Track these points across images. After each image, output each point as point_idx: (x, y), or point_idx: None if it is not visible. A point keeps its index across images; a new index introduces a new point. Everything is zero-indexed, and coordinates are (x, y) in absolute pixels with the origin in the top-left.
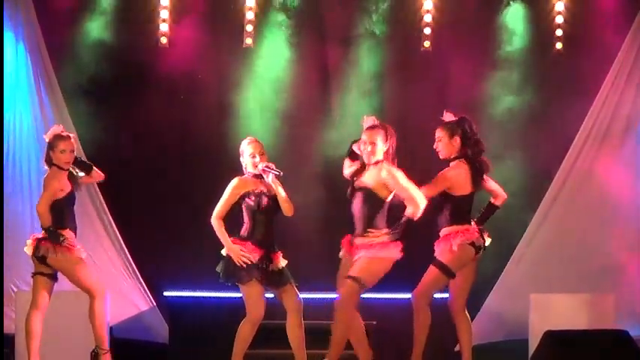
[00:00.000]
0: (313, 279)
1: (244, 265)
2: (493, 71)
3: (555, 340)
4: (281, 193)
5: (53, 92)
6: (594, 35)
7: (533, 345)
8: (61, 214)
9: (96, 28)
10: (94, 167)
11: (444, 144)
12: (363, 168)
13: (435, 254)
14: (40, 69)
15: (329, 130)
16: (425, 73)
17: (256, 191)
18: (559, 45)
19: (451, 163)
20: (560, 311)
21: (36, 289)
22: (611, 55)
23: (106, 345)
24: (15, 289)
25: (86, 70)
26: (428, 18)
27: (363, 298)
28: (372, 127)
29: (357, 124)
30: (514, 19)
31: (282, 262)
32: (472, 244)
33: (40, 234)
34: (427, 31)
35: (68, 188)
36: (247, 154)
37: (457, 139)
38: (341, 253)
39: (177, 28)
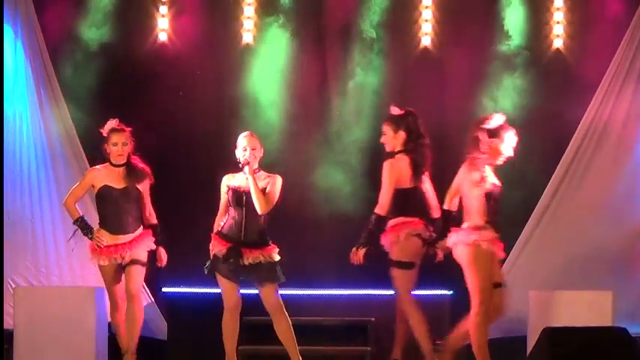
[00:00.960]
0: (312, 275)
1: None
2: (492, 68)
3: (554, 337)
4: (252, 188)
5: (52, 89)
6: (593, 33)
7: (531, 342)
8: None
9: (95, 24)
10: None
11: (388, 138)
12: None
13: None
14: (39, 66)
15: (328, 126)
16: (424, 69)
17: (233, 186)
18: (558, 42)
19: (396, 157)
20: (559, 308)
21: None
22: (610, 52)
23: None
24: (13, 285)
25: (85, 67)
26: (427, 14)
27: (360, 295)
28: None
29: (356, 119)
30: (513, 16)
31: (275, 257)
32: (418, 235)
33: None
34: (426, 27)
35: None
36: (240, 147)
37: (402, 133)
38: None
39: (177, 24)
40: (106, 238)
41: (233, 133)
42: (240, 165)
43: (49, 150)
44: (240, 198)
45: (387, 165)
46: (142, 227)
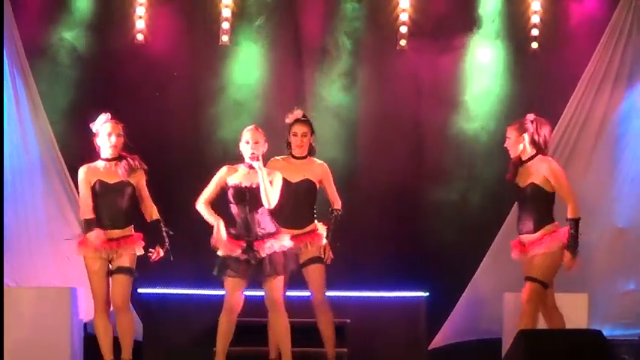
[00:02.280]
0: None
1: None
2: (468, 69)
3: (529, 339)
4: (263, 183)
5: (29, 89)
6: (570, 35)
7: (506, 344)
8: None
9: (72, 24)
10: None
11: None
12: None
13: None
14: (17, 66)
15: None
16: (400, 70)
17: (234, 183)
18: (535, 44)
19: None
20: None
21: None
22: (591, 46)
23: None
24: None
25: (62, 67)
26: (404, 17)
27: (337, 296)
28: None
29: (334, 120)
30: (490, 17)
31: (287, 244)
32: None
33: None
34: (403, 29)
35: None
36: (244, 140)
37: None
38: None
39: (154, 25)
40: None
41: (210, 134)
42: (249, 158)
43: (26, 156)
44: (243, 194)
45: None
46: (132, 226)
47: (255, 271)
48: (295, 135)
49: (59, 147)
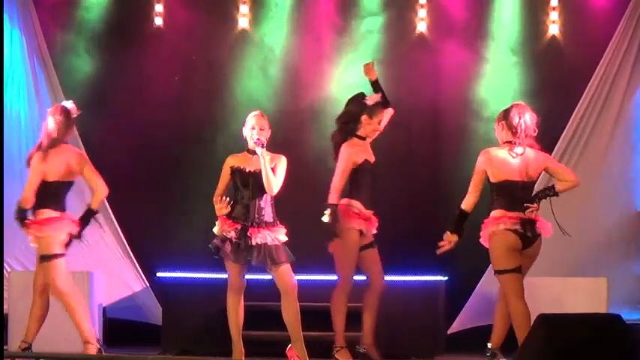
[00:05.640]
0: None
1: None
2: (486, 56)
3: (548, 323)
4: (265, 170)
5: (49, 76)
6: (589, 19)
7: None
8: None
9: (91, 9)
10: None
11: None
12: None
13: None
14: (36, 53)
15: (326, 113)
16: (419, 56)
17: (239, 167)
18: (554, 29)
19: None
20: (554, 295)
21: None
22: (606, 39)
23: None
24: (9, 270)
25: (81, 54)
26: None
27: (356, 280)
28: None
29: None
30: (508, 3)
31: (282, 238)
32: None
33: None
34: (422, 13)
35: None
36: (249, 126)
37: None
38: None
39: (173, 8)
40: None
41: (227, 119)
42: (254, 143)
43: None
44: (247, 179)
45: None
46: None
47: (247, 256)
48: (380, 122)
49: (79, 132)
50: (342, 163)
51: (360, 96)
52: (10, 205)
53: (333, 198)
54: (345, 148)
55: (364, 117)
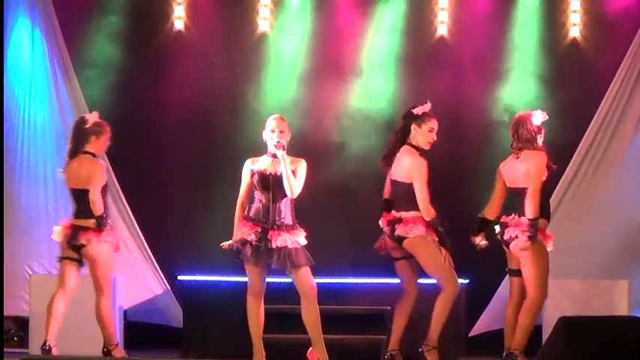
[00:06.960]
0: (328, 264)
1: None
2: (508, 58)
3: (570, 326)
4: (285, 172)
5: (69, 78)
6: (610, 23)
7: (547, 331)
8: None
9: (112, 12)
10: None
11: None
12: None
13: None
14: (56, 54)
15: (345, 116)
16: (440, 60)
17: (258, 169)
18: (575, 31)
19: None
20: (575, 297)
21: (65, 273)
22: (626, 43)
23: (115, 340)
24: (30, 272)
25: (102, 56)
26: (444, 3)
27: (377, 283)
28: None
29: (372, 111)
30: (529, 6)
31: (302, 241)
32: None
33: (70, 221)
34: (443, 17)
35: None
36: (269, 129)
37: None
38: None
39: (194, 11)
40: None
41: (247, 122)
42: (274, 146)
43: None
44: (267, 181)
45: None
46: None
47: (267, 259)
48: (431, 131)
49: None
50: (424, 176)
51: (411, 107)
52: (30, 207)
53: (432, 211)
54: (420, 161)
55: (413, 126)
